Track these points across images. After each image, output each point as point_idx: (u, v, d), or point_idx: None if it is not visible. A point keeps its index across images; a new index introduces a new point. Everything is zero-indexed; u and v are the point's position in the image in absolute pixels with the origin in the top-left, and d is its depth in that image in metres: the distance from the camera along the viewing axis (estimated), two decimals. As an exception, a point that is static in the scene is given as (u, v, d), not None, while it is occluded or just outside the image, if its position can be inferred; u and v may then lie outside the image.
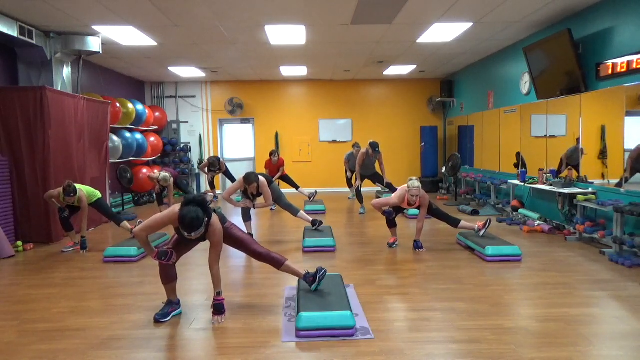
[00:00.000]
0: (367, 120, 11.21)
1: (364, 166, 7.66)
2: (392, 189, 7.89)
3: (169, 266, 3.22)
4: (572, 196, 5.52)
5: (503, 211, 7.44)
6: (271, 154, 8.49)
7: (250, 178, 5.34)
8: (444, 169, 9.65)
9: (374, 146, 7.40)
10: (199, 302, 3.56)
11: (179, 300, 3.36)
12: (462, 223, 5.15)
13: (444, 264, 4.53)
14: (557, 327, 2.96)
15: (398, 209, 5.24)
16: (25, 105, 5.68)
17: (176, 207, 3.03)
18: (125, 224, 5.56)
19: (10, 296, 3.82)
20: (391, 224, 5.28)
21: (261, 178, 5.45)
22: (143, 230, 3.11)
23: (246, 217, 5.76)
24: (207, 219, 3.00)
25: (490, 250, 4.59)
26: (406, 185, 4.99)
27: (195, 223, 2.90)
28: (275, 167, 8.49)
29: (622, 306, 3.33)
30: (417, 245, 5.11)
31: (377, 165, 7.76)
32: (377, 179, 7.86)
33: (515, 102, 7.42)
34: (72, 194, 5.11)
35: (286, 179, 8.73)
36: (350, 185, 9.11)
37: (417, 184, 4.91)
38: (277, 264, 3.39)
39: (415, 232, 5.19)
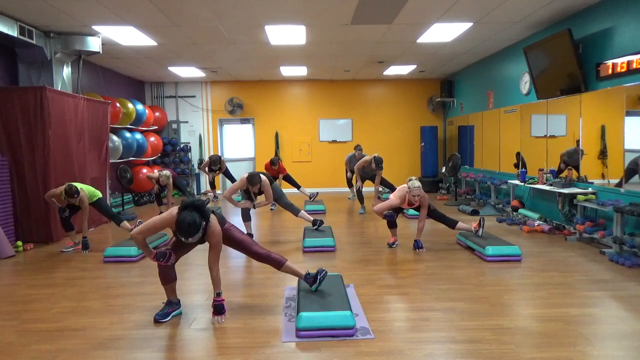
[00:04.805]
0: (367, 120, 11.21)
1: (362, 170, 7.75)
2: (391, 188, 7.91)
3: (168, 267, 3.22)
4: (572, 196, 5.52)
5: (503, 211, 7.44)
6: (272, 162, 8.38)
7: (254, 179, 5.34)
8: (444, 169, 9.64)
9: (378, 162, 7.42)
10: (199, 302, 3.56)
11: (179, 300, 3.36)
12: (460, 224, 5.15)
13: (444, 264, 4.53)
14: (557, 327, 2.96)
15: (397, 209, 5.24)
16: (25, 105, 5.67)
17: (174, 211, 3.02)
18: (125, 223, 5.56)
19: (10, 296, 3.82)
20: (392, 225, 5.27)
21: (263, 177, 5.46)
22: (140, 233, 3.10)
23: (246, 217, 5.76)
24: (204, 223, 3.00)
25: (490, 250, 4.59)
26: (406, 186, 4.99)
27: (193, 228, 2.89)
28: (275, 171, 8.44)
29: (622, 306, 3.33)
30: (417, 245, 5.11)
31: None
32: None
33: (515, 102, 7.42)
34: (75, 195, 5.12)
35: (288, 178, 8.72)
36: (350, 185, 9.12)
37: (417, 184, 4.91)
38: (278, 264, 3.38)
39: (416, 232, 5.19)
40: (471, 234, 5.10)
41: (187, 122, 11.08)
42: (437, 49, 7.79)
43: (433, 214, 5.20)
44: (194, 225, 2.89)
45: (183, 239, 2.94)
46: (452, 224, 5.16)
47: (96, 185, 6.12)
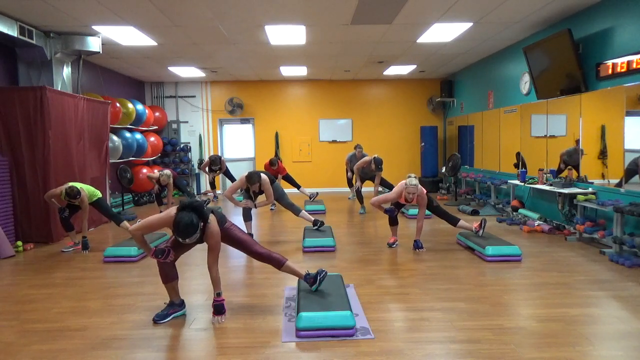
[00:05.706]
0: (367, 120, 11.21)
1: (362, 171, 7.74)
2: (390, 188, 7.91)
3: (169, 265, 3.21)
4: (572, 196, 5.52)
5: (503, 211, 7.44)
6: (271, 163, 8.32)
7: (253, 179, 5.34)
8: (444, 169, 9.65)
9: (377, 163, 7.41)
10: (199, 302, 3.56)
11: (182, 301, 3.32)
12: (461, 222, 5.16)
13: (443, 264, 4.53)
14: (557, 327, 2.96)
15: (398, 205, 5.25)
16: (25, 105, 5.67)
17: (172, 211, 3.01)
18: (125, 223, 5.56)
19: (10, 296, 3.82)
20: (393, 222, 5.28)
21: (263, 176, 5.45)
22: (139, 230, 3.11)
23: (247, 217, 5.75)
24: (202, 223, 2.99)
25: (490, 250, 4.59)
26: (404, 182, 5.01)
27: (190, 230, 2.88)
28: (274, 172, 8.40)
29: (622, 306, 3.33)
30: (417, 245, 5.11)
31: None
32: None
33: (515, 102, 7.42)
34: (77, 196, 5.12)
35: (288, 178, 8.71)
36: (350, 185, 9.11)
37: (414, 182, 4.91)
38: (278, 264, 3.38)
39: (416, 231, 5.19)
40: (471, 234, 5.11)
41: (187, 122, 11.08)
42: (437, 49, 7.79)
43: (436, 210, 5.20)
44: (190, 226, 2.88)
45: (180, 239, 2.93)
46: (454, 221, 5.17)
47: (96, 185, 6.11)
